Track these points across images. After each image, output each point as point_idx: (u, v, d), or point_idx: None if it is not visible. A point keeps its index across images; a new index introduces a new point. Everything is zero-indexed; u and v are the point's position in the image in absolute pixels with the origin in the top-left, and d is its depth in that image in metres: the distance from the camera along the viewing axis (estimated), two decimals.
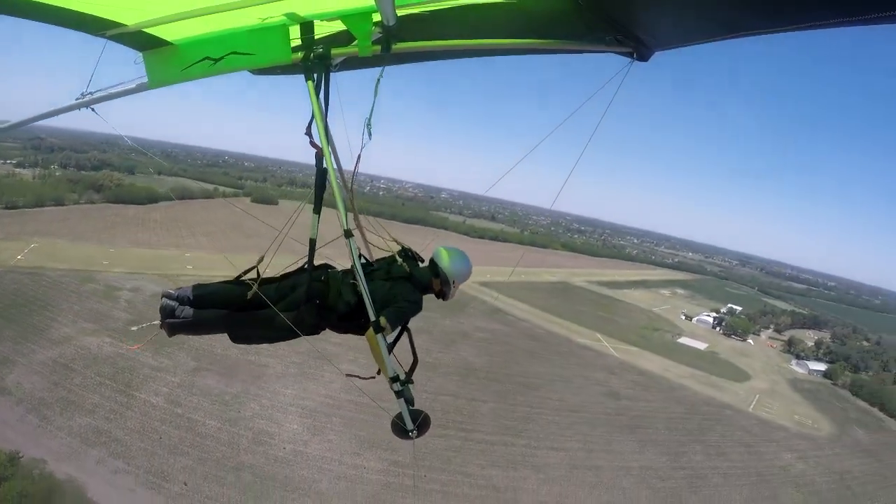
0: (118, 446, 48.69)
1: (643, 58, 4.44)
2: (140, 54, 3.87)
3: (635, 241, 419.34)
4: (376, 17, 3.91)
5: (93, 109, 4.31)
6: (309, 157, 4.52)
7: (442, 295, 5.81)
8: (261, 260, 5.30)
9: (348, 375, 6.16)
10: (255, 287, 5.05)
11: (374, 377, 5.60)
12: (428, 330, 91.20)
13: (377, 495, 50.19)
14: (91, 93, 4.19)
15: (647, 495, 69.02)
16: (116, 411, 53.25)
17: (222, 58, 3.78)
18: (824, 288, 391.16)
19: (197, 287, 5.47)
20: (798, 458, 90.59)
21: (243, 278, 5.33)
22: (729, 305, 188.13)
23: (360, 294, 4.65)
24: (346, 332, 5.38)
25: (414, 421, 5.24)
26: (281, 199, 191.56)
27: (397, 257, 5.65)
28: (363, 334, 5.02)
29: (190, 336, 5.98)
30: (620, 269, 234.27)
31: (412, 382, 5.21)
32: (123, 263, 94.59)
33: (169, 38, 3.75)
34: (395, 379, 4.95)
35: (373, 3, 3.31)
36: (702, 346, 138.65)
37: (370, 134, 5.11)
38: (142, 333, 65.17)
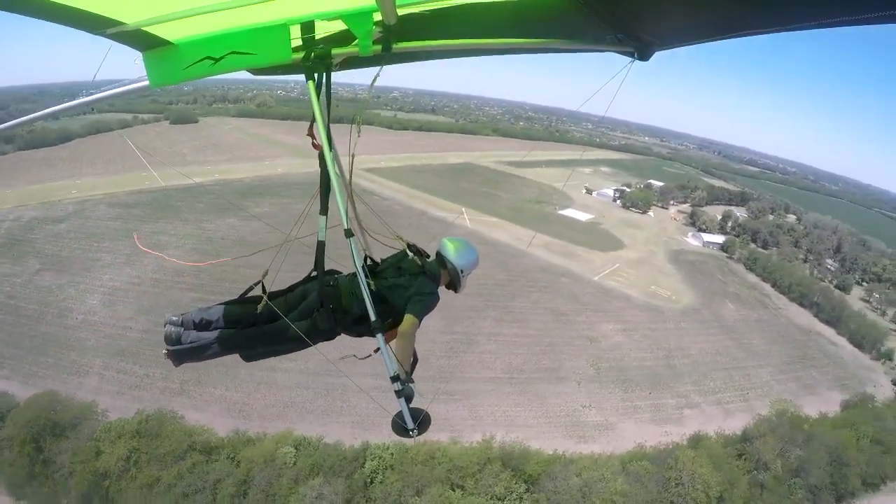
0: None
1: (644, 57, 4.24)
2: (140, 54, 3.73)
3: (590, 126, 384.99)
4: (377, 17, 3.74)
5: (92, 109, 4.53)
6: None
7: (452, 287, 5.60)
8: (265, 274, 5.11)
9: (341, 359, 5.77)
10: (265, 299, 4.87)
11: (370, 356, 5.11)
12: (275, 214, 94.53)
13: (129, 347, 56.40)
14: (92, 92, 4.24)
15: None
16: None
17: (222, 57, 3.64)
18: (781, 173, 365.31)
19: (202, 310, 5.21)
20: (623, 329, 71.95)
21: (249, 294, 5.20)
22: (649, 181, 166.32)
23: (380, 291, 4.74)
24: (362, 335, 4.88)
25: (415, 419, 4.67)
26: (202, 117, 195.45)
27: (408, 252, 5.44)
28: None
29: (198, 363, 5.49)
30: (551, 150, 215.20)
31: (413, 381, 4.74)
32: (12, 201, 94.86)
33: (169, 38, 3.60)
34: (395, 378, 4.47)
35: (373, 2, 3.22)
36: (584, 217, 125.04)
37: (359, 130, 4.84)
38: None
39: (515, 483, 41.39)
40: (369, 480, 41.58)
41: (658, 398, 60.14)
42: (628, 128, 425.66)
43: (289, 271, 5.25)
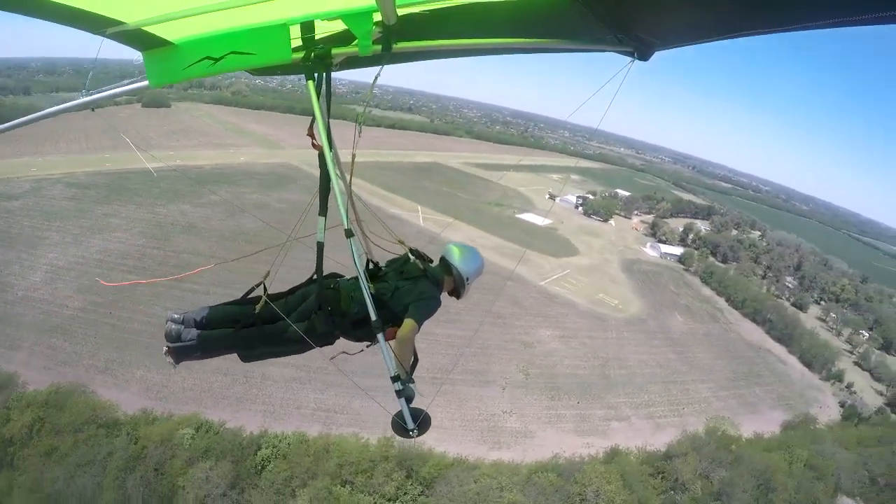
0: None
1: (644, 57, 4.19)
2: (140, 53, 3.74)
3: (567, 134, 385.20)
4: (377, 17, 3.72)
5: (93, 109, 4.50)
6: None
7: (455, 293, 5.56)
8: (267, 275, 5.10)
9: (332, 358, 5.35)
10: (264, 299, 4.83)
11: (362, 350, 5.04)
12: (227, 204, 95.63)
13: (62, 324, 56.95)
14: (91, 92, 4.24)
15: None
16: None
17: (222, 57, 3.64)
18: (753, 190, 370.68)
19: (203, 309, 5.21)
20: (561, 336, 69.27)
21: (251, 295, 5.18)
22: (616, 190, 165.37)
23: (377, 296, 4.56)
24: (361, 339, 4.90)
25: (415, 419, 4.51)
26: (176, 102, 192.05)
27: (410, 256, 5.33)
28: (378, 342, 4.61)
29: (197, 361, 5.35)
30: (521, 155, 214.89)
31: (413, 381, 4.60)
32: None
33: (169, 38, 3.61)
34: (395, 378, 4.36)
35: (373, 2, 3.20)
36: (542, 222, 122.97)
37: (360, 130, 4.89)
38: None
39: (411, 485, 39.74)
40: (260, 468, 41.10)
41: (586, 408, 57.90)
42: (605, 138, 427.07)
43: (288, 268, 5.25)
